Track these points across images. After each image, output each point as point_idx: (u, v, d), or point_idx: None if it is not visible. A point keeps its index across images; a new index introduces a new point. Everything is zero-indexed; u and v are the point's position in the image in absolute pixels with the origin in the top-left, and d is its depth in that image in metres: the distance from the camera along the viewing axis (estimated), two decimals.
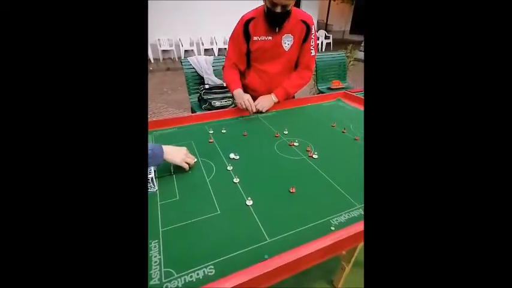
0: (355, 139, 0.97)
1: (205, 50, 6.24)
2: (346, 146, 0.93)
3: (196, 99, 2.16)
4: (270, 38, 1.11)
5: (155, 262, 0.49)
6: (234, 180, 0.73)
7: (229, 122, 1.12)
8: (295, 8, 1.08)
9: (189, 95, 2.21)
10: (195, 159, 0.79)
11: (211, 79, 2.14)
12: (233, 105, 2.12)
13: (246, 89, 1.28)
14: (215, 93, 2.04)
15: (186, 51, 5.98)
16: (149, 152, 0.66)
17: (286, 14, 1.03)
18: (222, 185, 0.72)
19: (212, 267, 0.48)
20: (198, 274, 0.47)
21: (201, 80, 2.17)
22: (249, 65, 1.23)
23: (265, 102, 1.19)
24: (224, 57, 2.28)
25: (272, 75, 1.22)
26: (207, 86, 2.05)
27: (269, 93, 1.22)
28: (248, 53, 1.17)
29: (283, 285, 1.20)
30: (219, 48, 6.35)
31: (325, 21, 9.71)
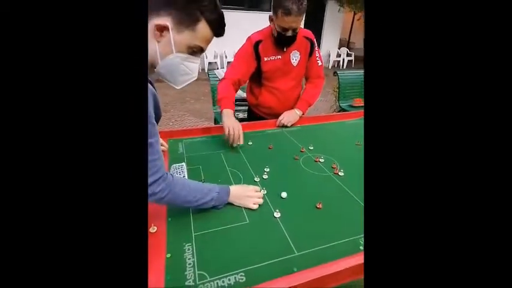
0: None
1: (228, 62, 6.48)
2: None
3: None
4: (280, 56, 1.17)
5: (189, 264, 0.52)
6: (262, 191, 0.75)
7: (255, 134, 1.16)
8: None
9: (213, 105, 2.30)
10: (262, 196, 0.73)
11: None
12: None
13: (260, 108, 1.35)
14: (239, 105, 2.11)
15: (209, 63, 6.23)
16: (215, 194, 0.65)
17: (295, 35, 1.10)
18: None
19: (243, 274, 0.50)
20: (229, 280, 0.49)
21: None
22: (260, 84, 1.28)
23: (290, 117, 1.23)
24: None
25: (284, 91, 1.27)
26: None
27: (283, 109, 1.27)
28: (259, 74, 1.22)
29: None
30: None
31: (347, 39, 9.79)
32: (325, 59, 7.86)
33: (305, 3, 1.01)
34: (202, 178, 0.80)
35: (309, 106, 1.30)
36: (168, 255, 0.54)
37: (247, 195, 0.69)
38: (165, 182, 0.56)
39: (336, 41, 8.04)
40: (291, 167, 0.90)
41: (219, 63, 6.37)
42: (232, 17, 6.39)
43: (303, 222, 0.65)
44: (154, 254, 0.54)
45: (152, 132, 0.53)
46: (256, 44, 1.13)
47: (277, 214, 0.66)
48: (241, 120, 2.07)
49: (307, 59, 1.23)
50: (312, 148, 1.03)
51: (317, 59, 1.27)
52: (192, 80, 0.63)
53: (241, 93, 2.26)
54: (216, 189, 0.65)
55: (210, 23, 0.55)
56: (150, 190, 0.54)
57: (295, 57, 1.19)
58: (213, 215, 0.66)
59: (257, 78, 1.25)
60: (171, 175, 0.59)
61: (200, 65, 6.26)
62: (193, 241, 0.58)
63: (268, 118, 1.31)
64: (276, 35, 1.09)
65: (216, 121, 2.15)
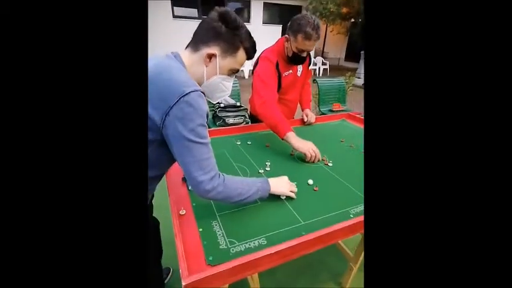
0: (361, 153, 1.16)
1: None
2: (355, 157, 1.11)
3: (211, 116, 2.36)
4: (291, 71, 1.33)
5: (219, 234, 0.64)
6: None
7: (252, 135, 1.30)
8: None
9: None
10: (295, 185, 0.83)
11: (225, 99, 2.35)
12: (244, 122, 2.32)
13: None
14: (229, 111, 2.25)
15: None
16: (259, 184, 0.71)
17: (307, 56, 1.25)
18: None
19: (264, 239, 0.63)
20: (254, 243, 0.62)
21: None
22: None
23: (313, 115, 1.47)
24: (236, 79, 2.52)
25: (293, 101, 1.47)
26: (222, 105, 2.26)
27: (290, 117, 1.50)
28: (278, 89, 1.32)
29: (296, 282, 1.32)
30: (249, 70, 6.71)
31: (321, 49, 10.40)
32: None
33: (320, 30, 1.13)
34: None
35: None
36: (201, 229, 0.65)
37: (285, 185, 0.78)
38: (219, 178, 0.62)
39: (312, 51, 8.48)
40: (288, 161, 1.05)
41: None
42: None
43: (304, 201, 0.79)
44: (189, 229, 0.65)
45: (205, 134, 0.61)
46: (277, 64, 1.24)
47: (283, 196, 0.80)
48: (232, 124, 2.21)
49: (307, 70, 1.44)
50: None
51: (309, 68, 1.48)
52: (226, 96, 0.75)
53: (229, 100, 2.40)
54: (257, 181, 0.72)
55: (247, 50, 0.69)
56: (208, 186, 0.59)
57: (299, 69, 1.36)
58: None
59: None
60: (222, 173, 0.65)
61: None
62: (218, 219, 0.70)
63: None
64: (290, 55, 1.21)
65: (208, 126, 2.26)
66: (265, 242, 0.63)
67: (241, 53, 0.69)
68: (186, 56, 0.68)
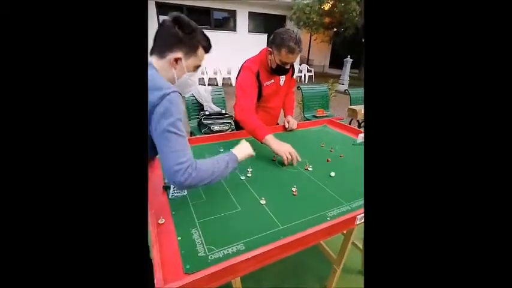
0: (340, 156, 1.20)
1: (209, 79, 6.61)
2: (334, 161, 1.15)
3: (196, 124, 2.36)
4: (273, 80, 1.38)
5: (198, 242, 0.64)
6: (248, 186, 0.91)
7: (236, 142, 1.31)
8: None
9: (189, 120, 2.41)
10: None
11: (210, 106, 2.37)
12: (230, 129, 2.33)
13: None
14: (214, 118, 2.26)
15: None
16: (226, 158, 0.78)
17: (290, 68, 1.31)
18: (239, 190, 0.89)
19: (243, 244, 0.64)
20: (232, 249, 0.63)
21: (200, 107, 2.39)
22: (256, 106, 1.45)
23: (294, 122, 1.51)
24: (218, 87, 2.55)
25: (276, 109, 1.52)
26: (207, 113, 2.27)
27: (272, 124, 1.53)
28: (259, 97, 1.37)
29: (281, 287, 1.32)
30: (209, 78, 6.75)
31: (306, 57, 10.68)
32: None
33: (302, 44, 1.21)
34: None
35: None
36: (179, 238, 0.65)
37: (246, 147, 0.92)
38: (193, 166, 0.66)
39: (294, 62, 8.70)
40: (270, 166, 1.07)
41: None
42: None
43: (283, 205, 0.81)
44: (168, 238, 0.65)
45: (183, 129, 0.67)
46: (257, 73, 1.29)
47: (262, 201, 0.82)
48: (217, 131, 2.22)
49: (290, 79, 1.50)
50: None
51: (294, 76, 1.56)
52: (195, 88, 0.83)
53: (214, 107, 2.41)
54: (224, 155, 0.80)
55: (204, 47, 0.79)
56: (184, 175, 0.63)
57: (282, 79, 1.42)
58: (209, 206, 0.79)
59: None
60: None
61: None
62: (198, 226, 0.70)
63: None
64: (274, 66, 1.27)
65: (192, 134, 2.26)
66: (244, 247, 0.64)
67: (200, 51, 0.78)
68: (155, 62, 0.75)
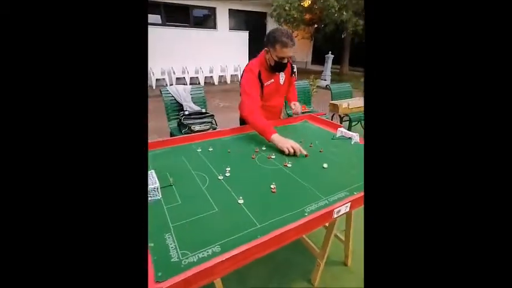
0: (320, 151, 1.20)
1: (177, 78, 6.46)
2: (313, 157, 1.15)
3: (176, 124, 2.30)
4: (273, 80, 1.45)
5: (172, 247, 0.62)
6: (226, 186, 0.89)
7: (214, 141, 1.29)
8: None
9: (168, 121, 2.34)
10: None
11: (190, 106, 2.31)
12: (211, 129, 2.29)
13: None
14: (194, 118, 2.21)
15: (157, 79, 6.13)
16: None
17: (287, 62, 1.39)
18: (216, 190, 0.87)
19: (219, 246, 0.62)
20: (208, 252, 0.61)
21: (179, 107, 2.33)
22: None
23: (299, 106, 1.61)
24: (198, 86, 2.51)
25: (276, 107, 1.60)
26: (186, 113, 2.21)
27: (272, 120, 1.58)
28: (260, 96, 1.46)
29: (268, 285, 1.33)
30: (190, 77, 6.61)
31: None
32: None
33: (295, 39, 1.31)
34: (171, 182, 0.89)
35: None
36: (151, 244, 0.62)
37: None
38: None
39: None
40: (249, 165, 1.06)
41: (167, 80, 6.29)
42: (179, 34, 6.47)
43: (261, 203, 0.80)
44: None
45: None
46: (259, 74, 1.38)
47: (240, 201, 0.80)
48: (198, 131, 2.17)
49: (290, 77, 1.56)
50: (264, 149, 1.21)
51: (295, 73, 1.63)
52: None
53: (194, 107, 2.36)
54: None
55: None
56: None
57: (281, 77, 1.49)
58: (185, 208, 0.76)
59: None
60: None
61: (148, 82, 6.11)
62: (172, 231, 0.67)
63: None
64: (273, 63, 1.35)
65: (172, 135, 2.20)
66: (219, 249, 0.62)
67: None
68: None
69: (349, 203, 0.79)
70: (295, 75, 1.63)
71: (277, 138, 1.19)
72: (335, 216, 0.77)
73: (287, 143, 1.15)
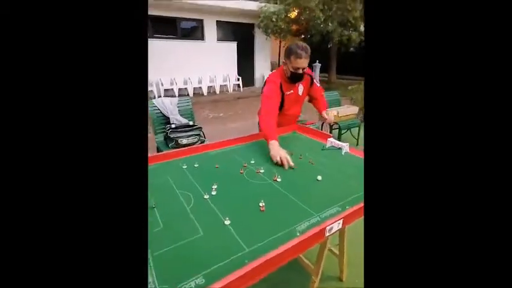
0: (309, 162, 1.17)
1: (165, 90, 6.39)
2: (303, 169, 1.12)
3: (162, 138, 2.23)
4: (292, 90, 1.58)
5: (150, 282, 0.55)
6: (212, 205, 0.83)
7: (201, 156, 1.24)
8: None
9: (155, 134, 2.27)
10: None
11: (177, 119, 2.26)
12: (199, 142, 2.24)
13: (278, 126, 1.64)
14: (181, 131, 2.15)
15: None
16: None
17: (304, 73, 1.48)
18: (202, 211, 0.81)
19: (202, 278, 0.57)
20: (190, 284, 0.55)
21: (166, 120, 2.27)
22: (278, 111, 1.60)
23: (332, 115, 1.69)
24: (185, 97, 2.50)
25: (294, 115, 1.72)
26: (173, 126, 2.15)
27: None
28: (281, 105, 1.57)
29: None
30: (179, 88, 6.57)
31: (277, 62, 10.90)
32: (260, 81, 8.52)
33: (309, 49, 1.41)
34: (153, 205, 0.83)
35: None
36: None
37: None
38: None
39: (267, 64, 8.84)
40: (236, 181, 1.01)
41: (155, 91, 6.21)
42: (167, 46, 6.45)
43: (250, 224, 0.75)
44: None
45: None
46: (280, 85, 1.51)
47: (227, 221, 0.75)
48: (185, 145, 2.11)
49: (309, 89, 1.68)
50: (253, 162, 1.17)
51: (317, 84, 1.73)
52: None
53: (181, 119, 2.31)
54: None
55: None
56: None
57: (300, 88, 1.62)
58: (167, 234, 0.71)
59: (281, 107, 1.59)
60: None
61: None
62: (150, 262, 0.61)
63: None
64: (289, 74, 1.47)
65: (159, 149, 2.13)
66: (203, 281, 0.56)
67: None
68: None
69: (342, 219, 0.75)
70: (318, 84, 1.74)
71: (273, 145, 1.22)
72: (327, 234, 0.73)
73: (277, 155, 1.15)
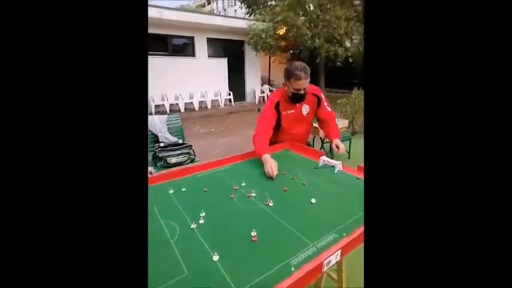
0: (303, 184, 1.13)
1: (156, 105, 6.34)
2: (297, 191, 1.07)
3: (151, 157, 2.15)
4: (293, 110, 1.54)
5: None
6: (199, 237, 0.77)
7: (189, 179, 1.17)
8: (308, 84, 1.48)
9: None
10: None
11: (165, 137, 2.20)
12: (189, 160, 2.17)
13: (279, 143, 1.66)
14: (170, 150, 2.08)
15: None
16: None
17: (305, 93, 1.46)
18: (187, 244, 0.74)
19: None
20: None
21: (155, 139, 2.21)
22: (277, 131, 1.58)
23: (343, 146, 1.55)
24: (175, 115, 2.46)
25: (300, 134, 1.65)
26: (162, 144, 2.09)
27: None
28: (279, 124, 1.55)
29: None
30: (170, 104, 6.52)
31: (268, 77, 11.10)
32: (251, 96, 8.61)
33: (308, 69, 1.40)
34: None
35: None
36: None
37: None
38: None
39: (258, 79, 8.98)
40: (226, 207, 0.95)
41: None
42: (157, 62, 6.47)
43: (241, 258, 0.69)
44: None
45: None
46: (277, 104, 1.49)
47: (215, 257, 0.68)
48: (175, 164, 2.04)
49: (316, 110, 1.62)
50: (244, 184, 1.11)
51: (326, 107, 1.63)
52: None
53: (170, 138, 2.25)
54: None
55: None
56: None
57: (305, 109, 1.58)
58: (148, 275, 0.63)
59: (276, 127, 1.55)
60: None
61: None
62: None
63: None
64: (290, 95, 1.46)
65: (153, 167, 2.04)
66: None
67: None
68: None
69: (339, 250, 0.70)
70: (329, 108, 1.64)
71: (265, 158, 1.24)
72: (325, 269, 0.67)
73: (268, 166, 1.18)
